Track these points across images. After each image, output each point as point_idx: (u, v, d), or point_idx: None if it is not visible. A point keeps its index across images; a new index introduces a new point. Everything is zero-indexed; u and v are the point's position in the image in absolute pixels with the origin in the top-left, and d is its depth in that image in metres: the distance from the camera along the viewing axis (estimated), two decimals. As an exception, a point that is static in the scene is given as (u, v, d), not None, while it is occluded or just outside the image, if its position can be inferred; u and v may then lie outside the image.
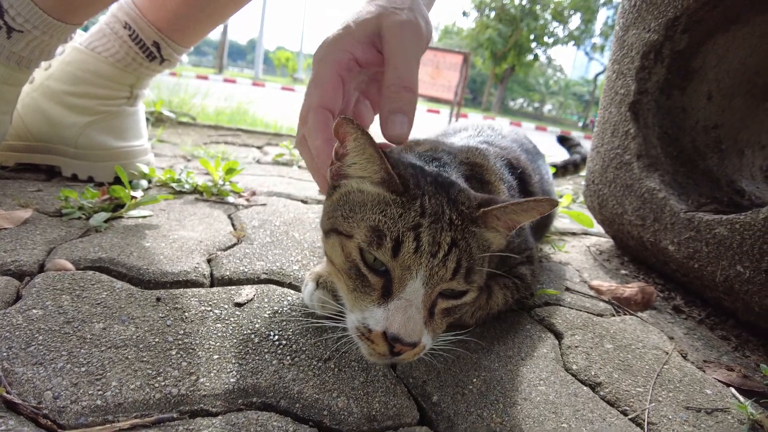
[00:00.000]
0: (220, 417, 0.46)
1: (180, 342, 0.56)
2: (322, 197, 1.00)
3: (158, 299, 0.63)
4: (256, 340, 0.58)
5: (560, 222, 1.36)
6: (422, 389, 0.55)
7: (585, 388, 0.62)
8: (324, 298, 0.62)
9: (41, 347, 0.50)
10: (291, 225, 0.97)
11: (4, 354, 0.49)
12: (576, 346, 0.71)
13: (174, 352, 0.54)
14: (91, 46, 1.05)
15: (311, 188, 1.30)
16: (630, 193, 1.07)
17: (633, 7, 1.12)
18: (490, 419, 0.52)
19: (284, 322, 0.62)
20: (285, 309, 0.66)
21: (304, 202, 1.18)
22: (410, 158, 0.63)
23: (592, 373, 0.65)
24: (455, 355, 0.61)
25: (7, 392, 0.44)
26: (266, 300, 0.68)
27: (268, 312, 0.65)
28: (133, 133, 1.11)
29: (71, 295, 0.61)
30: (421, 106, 8.35)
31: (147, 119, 1.88)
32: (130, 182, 1.05)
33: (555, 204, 0.55)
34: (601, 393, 0.62)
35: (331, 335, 0.59)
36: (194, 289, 0.68)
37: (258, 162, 1.61)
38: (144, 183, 1.08)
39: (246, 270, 0.75)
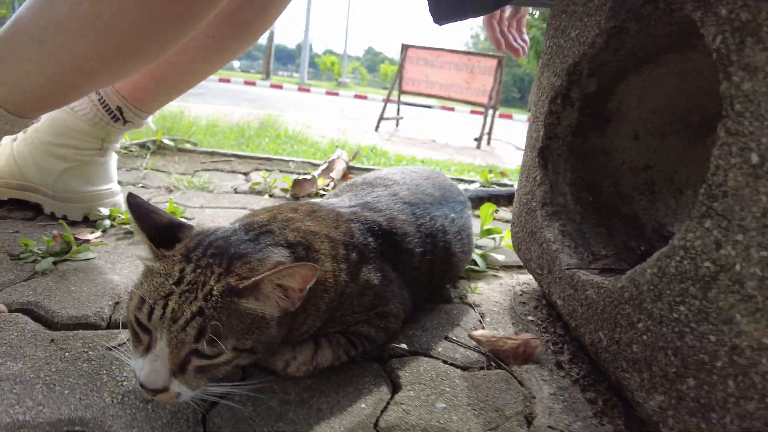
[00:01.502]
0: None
1: (47, 378, 0.75)
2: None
3: (52, 340, 0.84)
4: (105, 380, 0.76)
5: (503, 255, 1.43)
6: None
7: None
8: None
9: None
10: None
11: None
12: (402, 403, 0.80)
13: (39, 386, 0.73)
14: (71, 105, 1.29)
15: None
16: (533, 240, 1.14)
17: (547, 49, 1.17)
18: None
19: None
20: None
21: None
22: (215, 230, 0.77)
23: None
24: (266, 405, 0.76)
25: None
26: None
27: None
28: (102, 179, 1.35)
29: (-12, 335, 0.82)
30: (464, 108, 8.28)
31: (148, 148, 2.17)
32: (94, 222, 1.28)
33: (312, 269, 0.67)
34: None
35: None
36: (87, 331, 0.87)
37: (235, 191, 1.82)
38: (107, 222, 1.32)
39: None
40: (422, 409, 0.79)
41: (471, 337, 1.02)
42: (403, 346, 0.95)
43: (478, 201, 1.58)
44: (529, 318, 1.14)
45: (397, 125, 7.18)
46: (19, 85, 1.03)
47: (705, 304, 0.63)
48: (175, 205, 1.48)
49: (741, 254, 0.59)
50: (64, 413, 0.69)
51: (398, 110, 7.03)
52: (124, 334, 0.88)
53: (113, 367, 0.79)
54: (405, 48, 6.43)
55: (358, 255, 0.88)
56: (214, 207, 1.60)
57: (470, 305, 1.15)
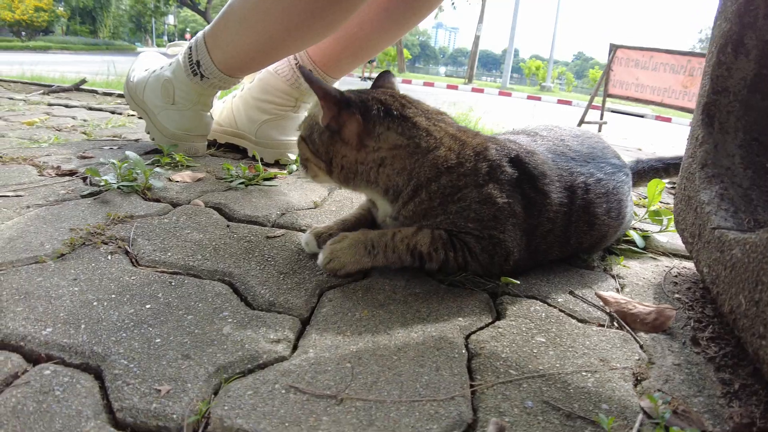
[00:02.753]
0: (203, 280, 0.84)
1: (216, 245, 0.96)
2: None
3: (227, 226, 1.06)
4: (255, 254, 0.94)
5: (667, 238, 1.27)
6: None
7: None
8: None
9: (165, 231, 0.98)
10: (358, 198, 1.29)
11: (153, 235, 0.97)
12: (500, 327, 0.78)
13: (209, 249, 0.94)
14: (274, 68, 1.59)
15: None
16: (689, 207, 1.00)
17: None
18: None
19: (274, 249, 0.97)
20: (293, 246, 1.00)
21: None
22: None
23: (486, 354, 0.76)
24: (373, 297, 0.84)
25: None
26: (288, 239, 1.03)
27: (282, 242, 0.99)
28: (293, 131, 1.62)
29: (189, 216, 1.09)
30: (683, 120, 7.17)
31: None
32: (284, 166, 1.56)
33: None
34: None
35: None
36: (255, 226, 1.08)
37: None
38: (293, 167, 1.57)
39: (294, 222, 1.12)
40: (518, 337, 0.77)
41: (597, 295, 0.94)
42: (518, 282, 0.93)
43: (651, 173, 1.42)
44: (676, 296, 1.00)
45: (600, 130, 6.67)
46: (229, 51, 1.43)
47: None
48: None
49: None
50: (220, 267, 0.88)
51: (602, 115, 6.52)
52: (280, 231, 1.06)
53: (265, 249, 0.97)
54: (613, 48, 5.94)
55: (489, 169, 0.90)
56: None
57: (612, 276, 1.06)
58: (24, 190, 1.22)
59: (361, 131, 0.89)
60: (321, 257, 0.88)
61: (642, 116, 11.98)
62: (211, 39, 1.47)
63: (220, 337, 0.67)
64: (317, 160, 0.94)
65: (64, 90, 3.63)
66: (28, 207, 1.11)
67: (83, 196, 1.18)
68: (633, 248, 1.22)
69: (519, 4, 23.53)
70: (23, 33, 29.32)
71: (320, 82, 0.88)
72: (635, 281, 1.04)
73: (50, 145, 1.75)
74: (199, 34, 1.51)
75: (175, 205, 1.17)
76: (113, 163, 1.28)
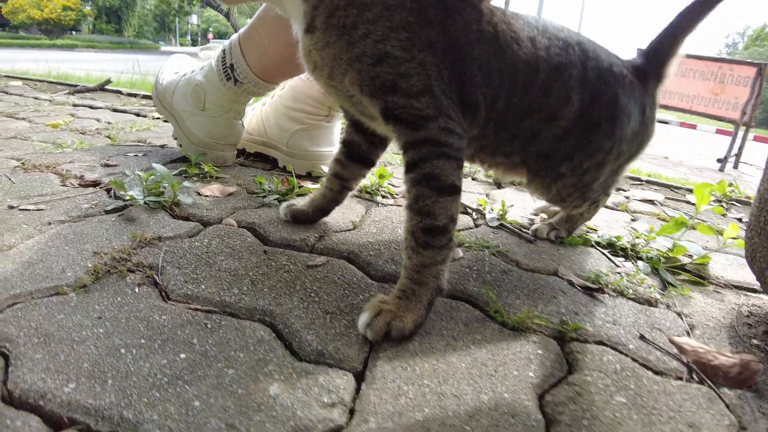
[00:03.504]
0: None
1: (254, 277, 0.87)
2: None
3: (264, 251, 0.96)
4: (297, 288, 0.84)
5: (727, 260, 1.15)
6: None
7: None
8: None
9: (197, 257, 0.89)
10: (400, 224, 1.19)
11: (184, 262, 0.89)
12: (576, 385, 0.68)
13: (246, 281, 0.85)
14: (306, 75, 1.50)
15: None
16: (767, 242, 0.88)
17: None
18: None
19: (316, 281, 0.87)
20: (336, 278, 0.90)
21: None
22: None
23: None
24: (432, 344, 0.74)
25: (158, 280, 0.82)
26: (330, 269, 0.93)
27: (324, 273, 0.90)
28: (326, 142, 1.52)
29: (221, 239, 1.00)
30: (708, 126, 6.95)
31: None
32: (316, 178, 1.46)
33: None
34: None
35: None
36: (293, 251, 0.98)
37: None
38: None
39: (334, 247, 1.02)
40: (597, 397, 0.67)
41: (672, 342, 0.83)
42: (588, 328, 0.83)
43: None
44: (754, 341, 0.89)
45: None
46: (264, 54, 1.36)
47: None
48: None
49: None
50: (260, 305, 0.78)
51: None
52: (321, 258, 0.96)
53: (306, 281, 0.87)
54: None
55: None
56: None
57: (678, 314, 0.95)
58: (46, 203, 1.14)
59: None
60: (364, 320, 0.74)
61: (666, 122, 11.65)
62: (246, 41, 1.39)
63: (267, 401, 0.58)
64: None
65: (89, 90, 3.60)
66: (50, 223, 1.03)
67: (107, 212, 1.10)
68: (695, 278, 1.11)
69: (542, 8, 23.27)
70: (51, 31, 29.95)
71: None
72: (704, 321, 0.93)
73: (74, 150, 1.68)
74: (234, 36, 1.43)
75: (205, 224, 1.08)
76: (139, 175, 1.20)
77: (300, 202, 1.14)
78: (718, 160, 5.02)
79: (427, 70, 0.77)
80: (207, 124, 1.48)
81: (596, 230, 1.34)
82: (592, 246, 1.22)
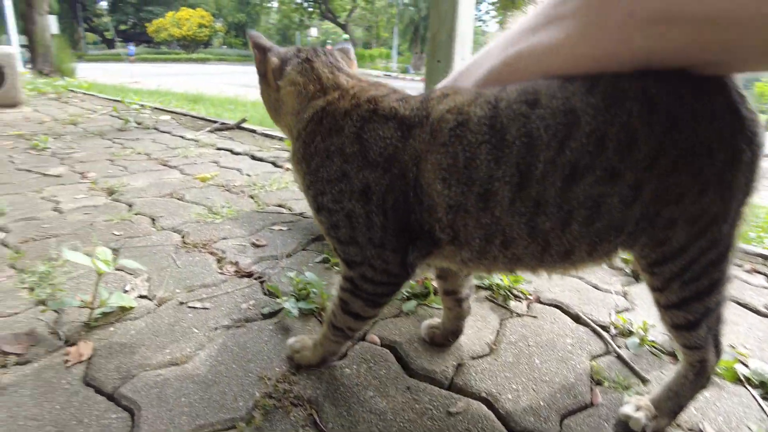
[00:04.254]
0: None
1: (401, 425, 0.90)
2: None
3: (408, 387, 1.00)
4: (445, 447, 0.86)
5: None
6: None
7: None
8: None
9: (350, 391, 0.94)
10: (541, 349, 1.15)
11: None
12: None
13: (394, 429, 0.88)
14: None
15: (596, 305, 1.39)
16: None
17: None
18: None
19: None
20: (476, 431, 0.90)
21: (576, 319, 1.31)
22: None
23: None
24: None
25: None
26: (470, 417, 0.93)
27: (465, 424, 0.90)
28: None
29: (369, 366, 1.05)
30: None
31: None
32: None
33: None
34: None
35: None
36: (434, 387, 1.00)
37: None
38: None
39: (471, 384, 1.02)
40: None
41: None
42: None
43: None
44: None
45: None
46: None
47: None
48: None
49: None
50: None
51: None
52: (462, 403, 0.97)
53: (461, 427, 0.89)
54: None
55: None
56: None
57: None
58: (209, 299, 1.28)
59: (275, 71, 0.94)
60: None
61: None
62: None
63: None
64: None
65: (228, 128, 3.96)
66: (216, 329, 1.15)
67: (264, 316, 1.21)
68: None
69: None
70: (188, 46, 33.53)
71: (258, 38, 0.96)
72: None
73: (223, 219, 1.86)
74: None
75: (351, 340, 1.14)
76: (290, 278, 1.30)
77: (436, 321, 1.16)
78: None
79: (352, 223, 0.83)
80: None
81: (746, 357, 1.15)
82: (739, 382, 1.06)
